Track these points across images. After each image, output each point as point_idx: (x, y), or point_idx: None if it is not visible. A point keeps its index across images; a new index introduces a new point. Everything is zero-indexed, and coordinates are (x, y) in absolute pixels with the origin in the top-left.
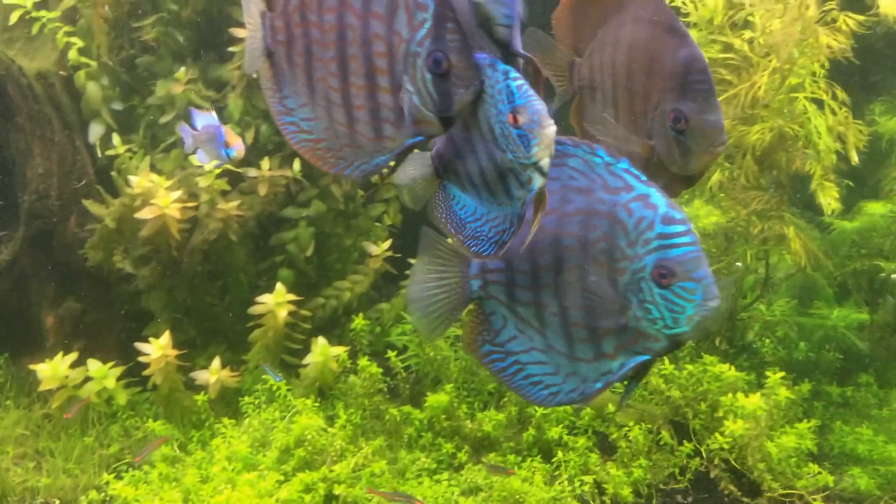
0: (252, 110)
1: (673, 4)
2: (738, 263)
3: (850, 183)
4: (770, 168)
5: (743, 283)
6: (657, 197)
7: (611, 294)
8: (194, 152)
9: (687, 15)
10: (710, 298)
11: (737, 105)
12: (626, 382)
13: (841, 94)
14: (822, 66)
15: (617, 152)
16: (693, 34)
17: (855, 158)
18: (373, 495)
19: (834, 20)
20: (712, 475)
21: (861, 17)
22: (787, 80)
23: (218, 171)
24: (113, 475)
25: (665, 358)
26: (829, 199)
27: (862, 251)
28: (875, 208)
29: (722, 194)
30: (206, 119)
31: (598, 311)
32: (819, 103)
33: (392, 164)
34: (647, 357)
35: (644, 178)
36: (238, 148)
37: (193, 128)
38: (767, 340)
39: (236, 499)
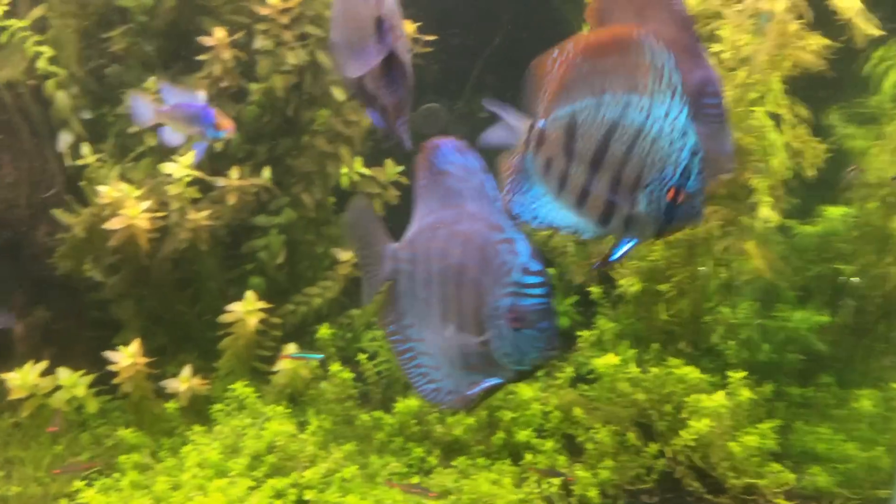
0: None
1: None
2: (702, 268)
3: (794, 200)
4: (727, 182)
5: (707, 286)
6: (522, 244)
7: (475, 319)
8: (154, 128)
9: None
10: (550, 349)
11: None
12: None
13: (803, 111)
14: (786, 82)
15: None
16: None
17: (812, 173)
18: (343, 501)
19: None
20: (677, 475)
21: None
22: (747, 94)
23: (188, 178)
24: (84, 482)
25: (631, 362)
26: (766, 213)
27: (823, 255)
28: (833, 212)
29: None
30: (183, 96)
31: (465, 329)
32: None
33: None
34: (499, 381)
35: (510, 222)
36: (230, 130)
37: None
38: (731, 343)
39: (208, 503)
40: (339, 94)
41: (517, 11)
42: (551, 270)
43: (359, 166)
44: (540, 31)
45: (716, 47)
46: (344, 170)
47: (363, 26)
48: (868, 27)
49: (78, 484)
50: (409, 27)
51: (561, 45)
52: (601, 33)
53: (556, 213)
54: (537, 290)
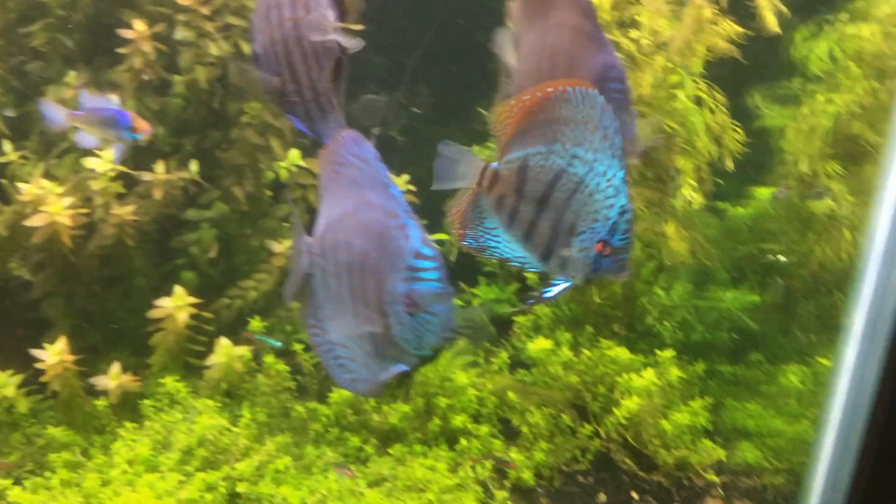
0: (145, 112)
1: None
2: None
3: (719, 182)
4: (651, 163)
5: (640, 269)
6: (414, 230)
7: (377, 307)
8: (72, 132)
9: None
10: (448, 330)
11: None
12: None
13: (720, 97)
14: (710, 67)
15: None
16: None
17: (730, 164)
18: (277, 492)
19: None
20: (612, 455)
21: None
22: (668, 78)
23: (112, 174)
24: (11, 481)
25: (563, 345)
26: (688, 193)
27: (754, 236)
28: (763, 193)
29: None
30: (98, 102)
31: (371, 318)
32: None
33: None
34: (405, 367)
35: (406, 206)
36: (147, 132)
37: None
38: (666, 324)
39: (136, 500)
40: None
41: (454, 3)
42: (494, 260)
43: (296, 158)
44: (476, 22)
45: (634, 33)
46: (283, 163)
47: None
48: (770, 18)
49: (5, 482)
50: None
51: (519, 94)
52: (559, 84)
53: (506, 245)
54: (430, 275)
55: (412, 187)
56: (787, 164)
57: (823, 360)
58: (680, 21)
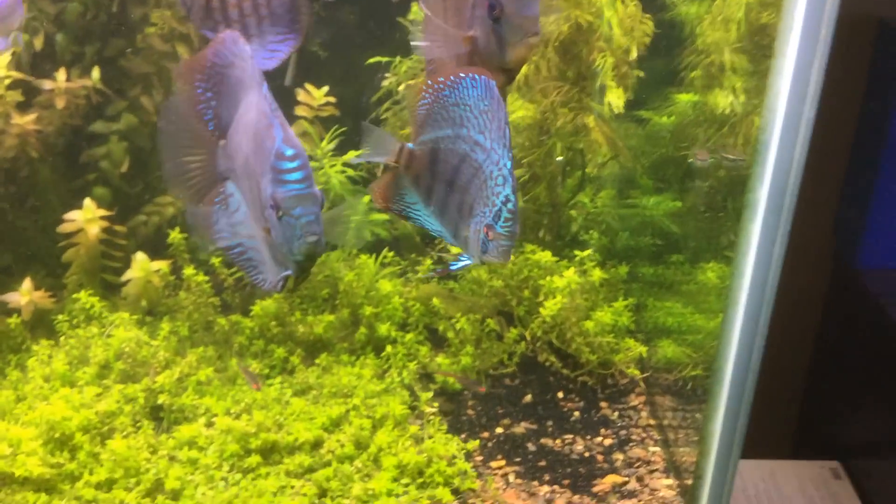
0: (40, 16)
1: None
2: (559, 158)
3: (641, 73)
4: (572, 60)
5: (562, 178)
6: (277, 129)
7: (259, 209)
8: None
9: None
10: (309, 234)
11: None
12: None
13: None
14: None
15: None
16: None
17: (634, 54)
18: (200, 403)
19: None
20: (538, 357)
21: None
22: None
23: (8, 81)
24: None
25: None
26: (614, 97)
27: (676, 143)
28: (683, 99)
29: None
30: None
31: (259, 220)
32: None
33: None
34: (289, 272)
35: (274, 105)
36: None
37: None
38: (593, 232)
39: (50, 412)
40: None
41: None
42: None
43: None
44: None
45: None
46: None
47: None
48: None
49: None
50: None
51: (432, 78)
52: (470, 71)
53: (425, 218)
54: (292, 176)
55: (332, 98)
56: (700, 55)
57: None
58: None
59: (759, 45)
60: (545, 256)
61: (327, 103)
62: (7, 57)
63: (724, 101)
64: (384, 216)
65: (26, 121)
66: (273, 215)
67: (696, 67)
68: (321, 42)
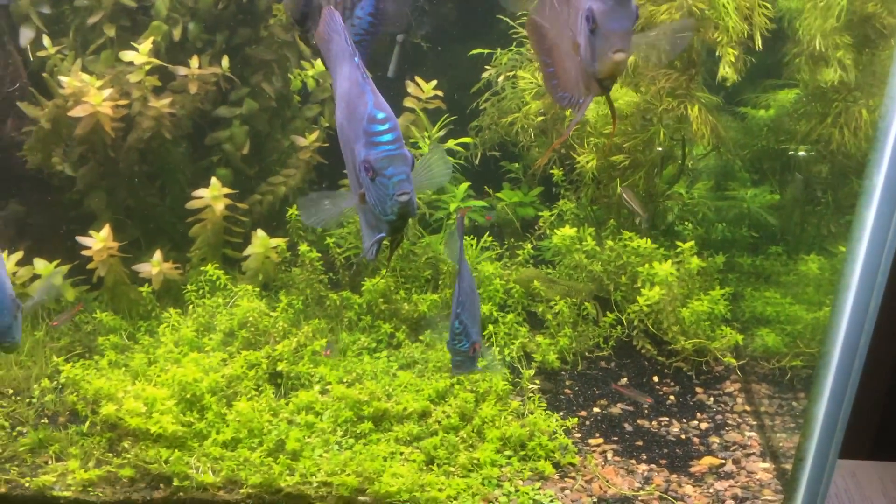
0: (179, 7)
1: None
2: (659, 148)
3: (752, 59)
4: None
5: (662, 167)
6: (369, 96)
7: (354, 177)
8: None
9: None
10: (400, 194)
11: None
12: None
13: None
14: None
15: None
16: None
17: (758, 41)
18: (315, 371)
19: None
20: (633, 342)
21: None
22: None
23: (148, 66)
24: (76, 356)
25: (588, 236)
26: (726, 65)
27: (778, 137)
28: (784, 96)
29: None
30: None
31: (354, 188)
32: None
33: None
34: (382, 234)
35: (366, 75)
36: None
37: None
38: (688, 223)
39: (182, 374)
40: None
41: None
42: (515, 165)
43: (320, 66)
44: None
45: None
46: (310, 72)
47: None
48: None
49: (56, 360)
50: None
51: None
52: None
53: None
54: (383, 138)
55: (439, 93)
56: (802, 44)
57: (842, 248)
58: None
59: (864, 36)
60: (643, 244)
61: (435, 96)
62: (148, 45)
63: (831, 76)
64: (481, 202)
65: (162, 104)
66: (367, 178)
67: (797, 58)
68: (423, 35)
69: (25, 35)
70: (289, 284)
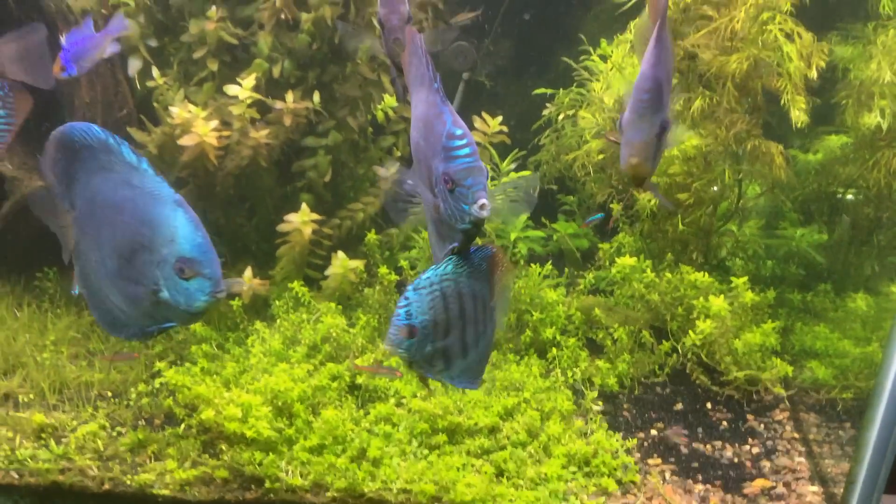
0: (280, 47)
1: None
2: (714, 188)
3: (818, 100)
4: (747, 94)
5: (718, 204)
6: (447, 115)
7: (431, 190)
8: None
9: None
10: (479, 201)
11: (717, 38)
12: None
13: (805, 34)
14: (792, 6)
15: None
16: None
17: (814, 74)
18: (390, 385)
19: None
20: (687, 370)
21: None
22: (760, 15)
23: (250, 100)
24: (169, 363)
25: (647, 268)
26: (797, 111)
27: (825, 180)
28: (833, 141)
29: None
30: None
31: (430, 201)
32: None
33: None
34: (455, 244)
35: (444, 97)
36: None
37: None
38: (738, 259)
39: (274, 383)
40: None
41: None
42: (570, 198)
43: (392, 102)
44: None
45: None
46: (381, 105)
47: None
48: None
49: (159, 364)
50: None
51: None
52: None
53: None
54: (461, 152)
55: (504, 128)
56: (852, 89)
57: (893, 288)
58: None
59: None
60: (700, 277)
61: (499, 132)
62: (252, 81)
63: (874, 121)
64: (540, 233)
65: (260, 135)
66: (444, 189)
67: (844, 102)
68: (487, 73)
69: (134, 65)
70: (363, 303)
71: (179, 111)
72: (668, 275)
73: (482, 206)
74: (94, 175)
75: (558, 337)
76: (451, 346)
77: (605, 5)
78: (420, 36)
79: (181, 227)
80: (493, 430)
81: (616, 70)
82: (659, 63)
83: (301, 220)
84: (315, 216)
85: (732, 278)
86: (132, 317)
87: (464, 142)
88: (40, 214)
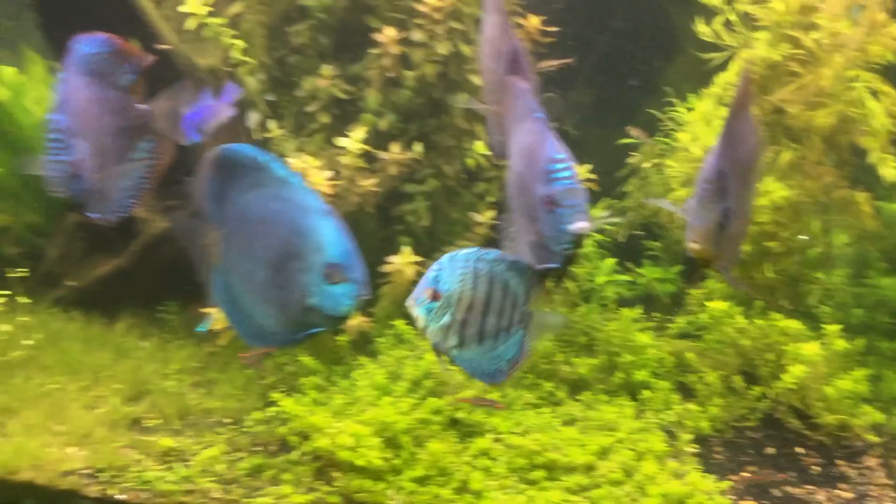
0: (386, 102)
1: (744, 9)
2: (803, 236)
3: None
4: (833, 147)
5: (806, 253)
6: (550, 142)
7: (531, 214)
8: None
9: (757, 20)
10: (579, 220)
11: (804, 93)
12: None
13: (892, 91)
14: (879, 63)
15: None
16: (764, 35)
17: None
18: (487, 421)
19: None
20: (778, 415)
21: None
22: (847, 72)
23: (359, 151)
24: (283, 393)
25: (739, 314)
26: (889, 168)
27: None
28: None
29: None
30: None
31: (528, 227)
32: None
33: None
34: (553, 265)
35: (547, 126)
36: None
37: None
38: (826, 307)
39: (382, 415)
40: (474, 79)
41: (627, 13)
42: (656, 244)
43: (481, 149)
44: (646, 31)
45: (815, 34)
46: (476, 152)
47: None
48: None
49: (275, 395)
50: (535, 22)
51: None
52: None
53: None
54: (563, 174)
55: (593, 175)
56: None
57: None
58: (856, 24)
59: None
60: (792, 325)
61: (588, 179)
62: (362, 133)
63: None
64: (627, 276)
65: (369, 183)
66: (545, 212)
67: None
68: (573, 122)
69: (253, 118)
70: None
71: (296, 161)
72: (759, 321)
73: (581, 226)
74: (246, 192)
75: (650, 379)
76: (468, 326)
77: (687, 57)
78: (524, 83)
79: (329, 235)
80: (588, 468)
81: (703, 122)
82: (725, 155)
83: (403, 262)
84: (416, 258)
85: (824, 325)
86: (281, 325)
87: (565, 165)
88: (182, 235)
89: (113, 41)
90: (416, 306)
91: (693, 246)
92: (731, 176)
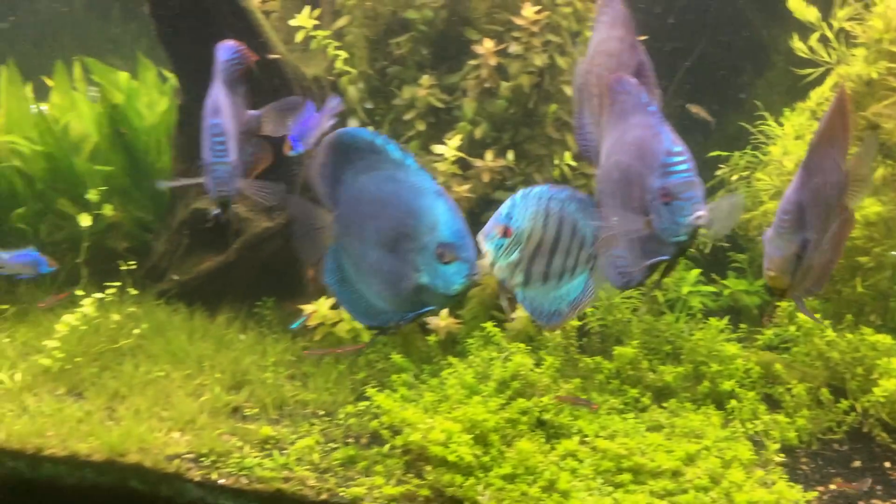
0: (482, 111)
1: (840, 25)
2: (893, 252)
3: None
4: None
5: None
6: (666, 134)
7: (640, 207)
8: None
9: (856, 37)
10: (697, 213)
11: None
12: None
13: None
14: None
15: None
16: (861, 52)
17: None
18: (573, 423)
19: None
20: (865, 429)
21: None
22: None
23: (454, 158)
24: (375, 388)
25: (828, 327)
26: None
27: None
28: None
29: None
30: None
31: (637, 220)
32: None
33: None
34: (664, 257)
35: (662, 119)
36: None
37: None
38: None
39: (472, 413)
40: (568, 90)
41: (717, 25)
42: (742, 256)
43: (568, 159)
44: (735, 43)
45: None
46: (560, 162)
47: None
48: None
49: (370, 390)
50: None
51: None
52: None
53: None
54: (680, 167)
55: None
56: None
57: None
58: None
59: None
60: (882, 339)
61: None
62: (458, 141)
63: None
64: (712, 288)
65: (463, 189)
66: (660, 205)
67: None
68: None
69: (352, 124)
70: (544, 345)
71: None
72: (849, 335)
73: (699, 217)
74: (361, 174)
75: (737, 390)
76: (535, 264)
77: (777, 72)
78: (623, 75)
79: (442, 215)
80: (675, 474)
81: (795, 136)
82: (804, 186)
83: (490, 265)
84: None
85: None
86: (392, 304)
87: (683, 157)
88: (295, 219)
89: (239, 48)
90: (486, 241)
91: (770, 274)
92: (810, 207)
